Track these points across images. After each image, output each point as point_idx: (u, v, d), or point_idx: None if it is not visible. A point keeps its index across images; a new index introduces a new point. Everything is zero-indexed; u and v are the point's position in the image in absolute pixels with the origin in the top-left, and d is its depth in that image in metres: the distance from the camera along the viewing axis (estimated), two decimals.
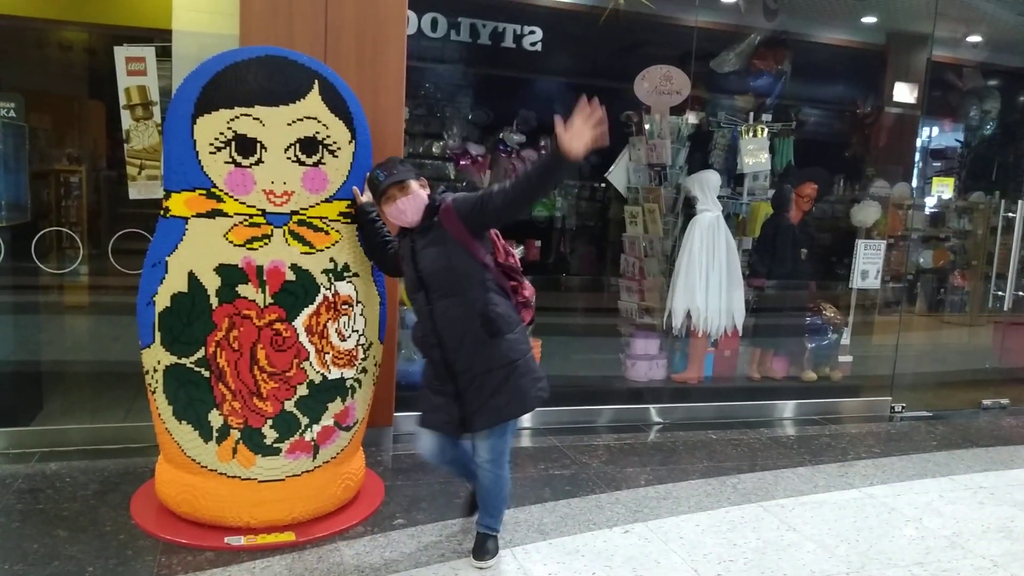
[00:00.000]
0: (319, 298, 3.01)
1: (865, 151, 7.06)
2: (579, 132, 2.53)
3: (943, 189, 7.47)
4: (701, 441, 4.66)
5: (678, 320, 5.19)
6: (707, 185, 5.26)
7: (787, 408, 5.36)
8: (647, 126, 5.42)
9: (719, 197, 5.36)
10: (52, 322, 4.57)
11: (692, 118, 5.71)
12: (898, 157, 6.74)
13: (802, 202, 5.62)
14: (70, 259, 4.22)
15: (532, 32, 5.79)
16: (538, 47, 5.84)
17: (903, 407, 5.52)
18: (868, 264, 5.64)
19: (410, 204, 2.86)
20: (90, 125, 5.53)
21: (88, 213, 5.13)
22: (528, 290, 3.09)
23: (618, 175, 5.64)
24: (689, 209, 5.36)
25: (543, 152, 2.65)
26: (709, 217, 5.21)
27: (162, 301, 2.91)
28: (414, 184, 2.88)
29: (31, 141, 4.17)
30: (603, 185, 6.21)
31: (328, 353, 3.05)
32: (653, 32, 5.80)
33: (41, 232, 4.09)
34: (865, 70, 6.98)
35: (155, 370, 2.97)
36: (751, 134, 5.85)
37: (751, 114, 5.97)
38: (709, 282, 5.18)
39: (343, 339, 3.10)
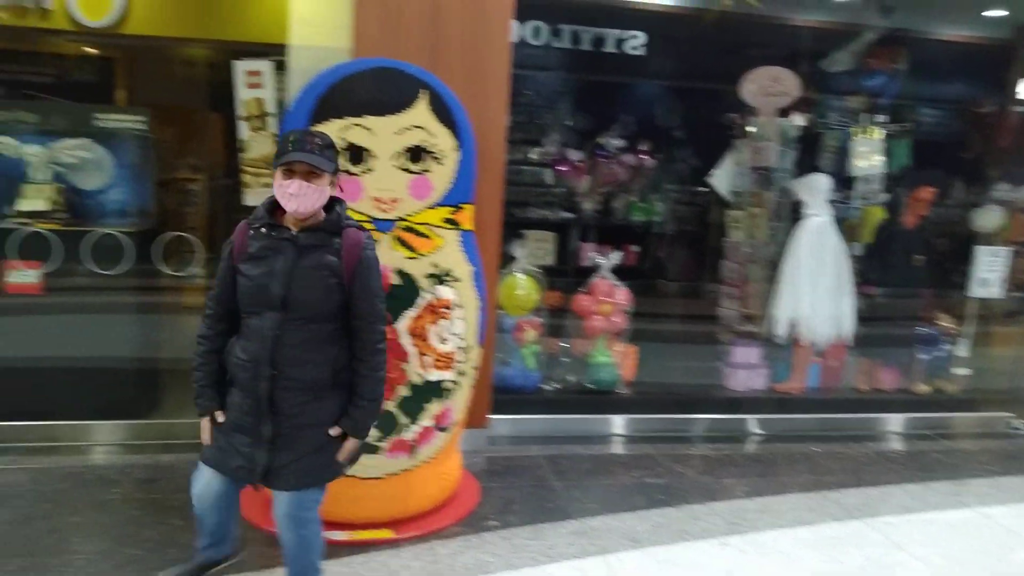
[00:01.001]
0: (421, 302, 3.10)
1: (987, 152, 6.66)
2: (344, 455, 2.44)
3: None
4: (803, 454, 4.51)
5: (782, 328, 5.04)
6: (816, 189, 5.10)
7: (896, 422, 5.12)
8: (752, 128, 5.30)
9: (829, 201, 5.18)
10: (171, 322, 4.85)
11: (800, 120, 5.54)
12: None
13: (918, 206, 5.38)
14: (189, 263, 4.49)
15: (634, 36, 5.76)
16: (640, 51, 5.81)
17: None
18: (989, 272, 5.33)
19: (313, 194, 2.30)
20: (210, 136, 5.86)
21: (207, 219, 5.44)
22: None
23: (721, 179, 5.53)
24: (796, 214, 5.20)
25: (353, 407, 2.39)
26: (818, 222, 5.04)
27: None
28: (327, 178, 2.34)
29: (156, 151, 4.46)
30: (703, 189, 6.11)
31: (428, 355, 3.14)
32: (760, 33, 5.67)
33: (164, 237, 4.37)
34: (988, 66, 6.59)
35: None
36: (863, 135, 5.62)
37: (863, 115, 5.74)
38: (816, 289, 5.01)
39: (443, 342, 3.17)
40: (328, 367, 2.36)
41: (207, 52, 5.32)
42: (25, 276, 3.98)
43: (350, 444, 2.43)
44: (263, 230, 2.37)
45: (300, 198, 2.28)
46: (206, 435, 2.47)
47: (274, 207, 2.38)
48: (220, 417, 2.44)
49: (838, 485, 4.01)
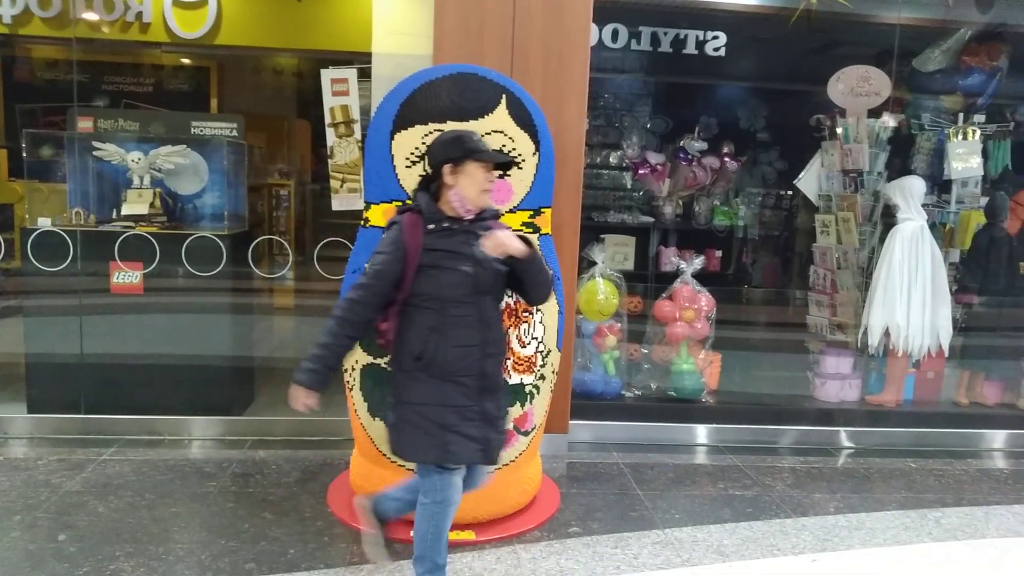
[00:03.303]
0: (502, 305, 3.09)
1: None
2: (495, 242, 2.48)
3: None
4: (898, 469, 4.31)
5: (875, 338, 4.83)
6: (910, 192, 4.88)
7: (999, 438, 4.84)
8: (840, 129, 5.12)
9: (923, 205, 4.95)
10: (263, 322, 5.00)
11: (891, 121, 5.33)
12: None
13: (1021, 211, 5.09)
14: (280, 265, 4.63)
15: (715, 37, 5.67)
16: (721, 52, 5.70)
17: None
18: None
19: (500, 186, 2.64)
20: (298, 142, 6.05)
21: (296, 223, 5.61)
22: None
23: (809, 182, 5.37)
24: (889, 218, 5.00)
25: None
26: (912, 227, 4.82)
27: None
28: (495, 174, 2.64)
29: (248, 157, 4.61)
30: (789, 192, 5.94)
31: (509, 359, 3.13)
32: (848, 31, 5.50)
33: (256, 240, 4.51)
34: None
35: (353, 369, 3.17)
36: (960, 137, 5.37)
37: (960, 115, 5.49)
38: (911, 297, 4.78)
39: (523, 346, 3.16)
40: (506, 347, 2.67)
41: (295, 61, 5.50)
42: (128, 277, 4.17)
43: None
44: (445, 225, 2.49)
45: (488, 193, 2.53)
46: (302, 401, 2.52)
47: (433, 204, 2.51)
48: (315, 404, 2.51)
49: (937, 503, 3.81)
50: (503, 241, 2.42)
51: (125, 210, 4.24)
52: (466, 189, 2.47)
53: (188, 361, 4.24)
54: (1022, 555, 3.27)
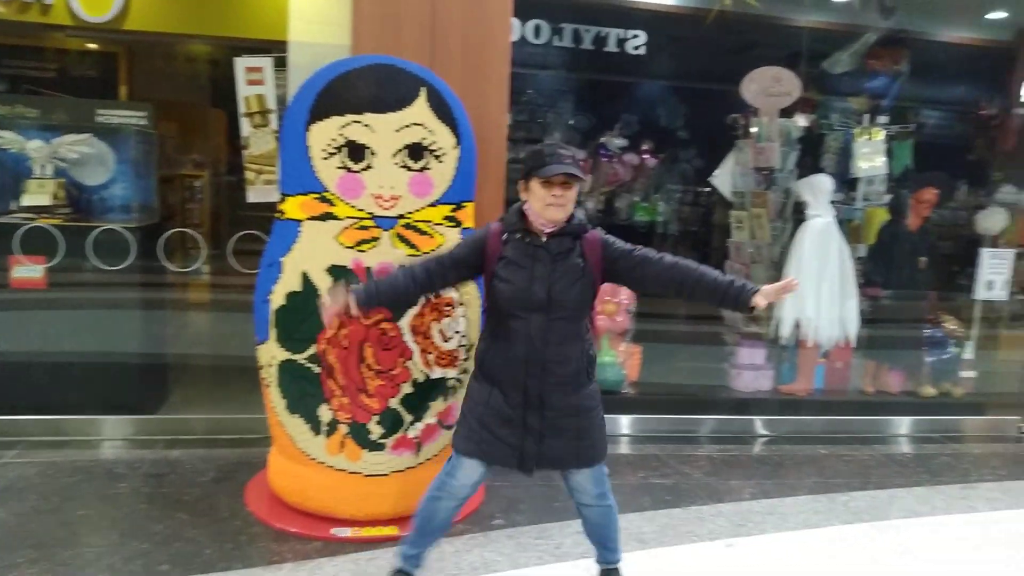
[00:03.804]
0: (423, 299, 3.07)
1: (991, 155, 6.66)
2: (770, 297, 2.48)
3: None
4: (809, 456, 4.48)
5: (787, 329, 5.01)
6: (818, 190, 5.07)
7: (903, 424, 5.09)
8: (754, 129, 5.28)
9: (832, 202, 5.15)
10: (176, 318, 4.85)
11: (802, 120, 5.52)
12: None
13: (921, 208, 5.34)
14: (193, 258, 4.47)
15: (636, 36, 5.76)
16: (642, 50, 5.80)
17: None
18: (994, 274, 5.31)
19: (569, 203, 2.49)
20: (212, 132, 5.87)
21: (209, 215, 5.44)
22: None
23: (723, 179, 5.51)
24: (799, 214, 5.18)
25: (733, 283, 2.50)
26: (821, 223, 5.01)
27: (277, 299, 3.03)
28: (577, 188, 2.52)
29: (159, 147, 4.44)
30: (707, 189, 6.09)
31: (431, 353, 3.11)
32: (761, 33, 5.67)
33: (167, 233, 4.35)
34: (991, 69, 6.59)
35: (270, 365, 3.10)
36: (866, 137, 5.60)
37: (866, 116, 5.73)
38: (821, 291, 4.97)
39: (446, 340, 3.15)
40: (584, 359, 2.56)
41: (208, 48, 5.32)
42: (29, 271, 3.96)
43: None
44: (517, 236, 2.53)
45: (561, 207, 2.46)
46: (337, 301, 2.55)
47: (522, 214, 2.53)
48: (355, 309, 2.54)
49: (845, 488, 3.97)
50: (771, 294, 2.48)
51: (25, 201, 4.03)
52: (534, 205, 2.49)
53: (96, 359, 4.05)
54: (921, 534, 3.45)
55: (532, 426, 2.54)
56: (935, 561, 3.19)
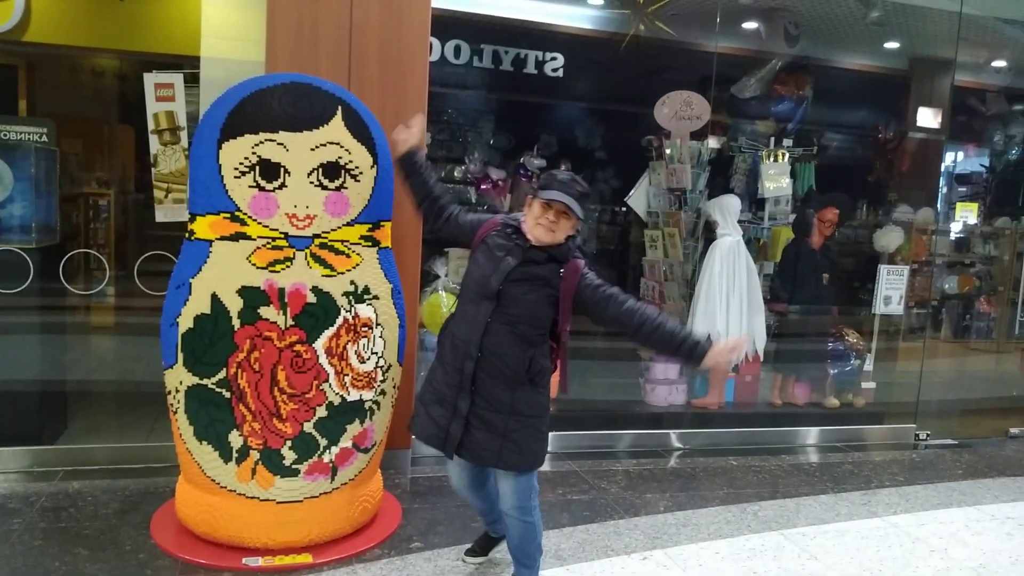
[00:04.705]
0: (339, 320, 3.04)
1: (888, 176, 7.03)
2: (721, 356, 2.64)
3: (967, 214, 7.41)
4: (721, 467, 4.61)
5: None
6: (727, 210, 5.25)
7: (809, 435, 5.29)
8: (667, 151, 5.44)
9: (740, 222, 5.34)
10: (78, 342, 4.63)
11: (713, 143, 5.72)
12: (922, 182, 6.71)
13: (824, 227, 5.58)
14: (97, 280, 4.30)
15: (554, 58, 5.86)
16: (560, 73, 5.91)
17: (928, 435, 5.43)
18: (891, 290, 5.58)
19: (561, 231, 2.66)
20: (119, 149, 5.66)
21: (115, 235, 5.23)
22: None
23: (638, 199, 5.65)
24: (709, 234, 5.35)
25: (688, 338, 2.65)
26: (729, 241, 5.19)
27: (185, 322, 2.95)
28: (574, 221, 2.68)
29: (61, 165, 4.26)
30: (623, 209, 6.23)
31: (347, 375, 3.08)
32: (673, 58, 5.86)
33: (69, 254, 4.17)
34: (888, 95, 6.98)
35: (177, 390, 3.00)
36: (772, 159, 5.84)
37: (772, 139, 5.98)
38: (730, 307, 5.15)
39: (362, 361, 3.12)
40: (524, 364, 2.64)
41: (116, 63, 5.15)
42: None
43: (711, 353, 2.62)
44: (509, 231, 2.72)
45: (550, 231, 2.63)
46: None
47: (519, 218, 2.75)
48: (412, 139, 2.98)
49: (755, 498, 4.11)
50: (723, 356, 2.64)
51: None
52: (528, 220, 2.68)
53: None
54: (825, 541, 3.59)
55: (460, 410, 2.67)
56: (840, 566, 3.33)
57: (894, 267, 5.65)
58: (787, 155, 5.82)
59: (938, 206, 6.80)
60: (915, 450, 5.29)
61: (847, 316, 5.92)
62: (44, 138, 3.99)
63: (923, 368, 5.60)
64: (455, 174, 6.11)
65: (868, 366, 5.71)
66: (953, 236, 7.62)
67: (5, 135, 3.93)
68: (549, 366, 2.77)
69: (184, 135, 3.85)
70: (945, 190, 7.24)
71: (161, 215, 3.86)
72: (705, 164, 5.48)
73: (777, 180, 5.76)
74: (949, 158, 7.54)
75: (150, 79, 3.84)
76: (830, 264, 5.64)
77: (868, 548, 3.54)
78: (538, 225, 2.64)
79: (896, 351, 6.27)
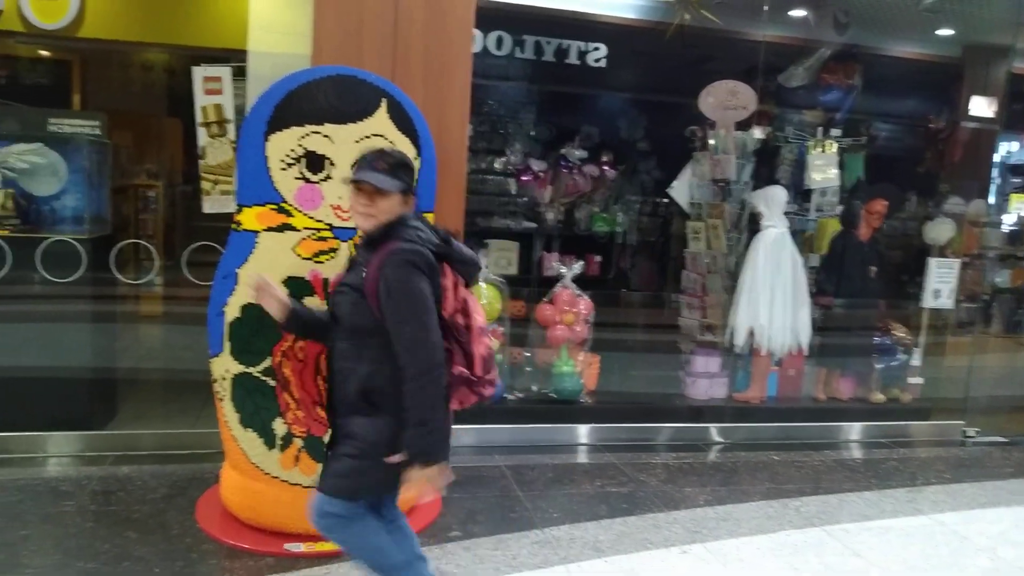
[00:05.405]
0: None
1: (939, 167, 6.85)
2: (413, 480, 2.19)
3: (1022, 206, 7.18)
4: (763, 462, 4.56)
5: (741, 338, 5.10)
6: (773, 201, 5.18)
7: (853, 430, 5.20)
8: (711, 141, 5.37)
9: (785, 213, 5.27)
10: (127, 331, 4.75)
11: (758, 133, 5.63)
12: (974, 173, 6.52)
13: (872, 219, 5.47)
14: (146, 270, 4.40)
15: (596, 48, 5.82)
16: (602, 63, 5.87)
17: (976, 432, 5.30)
18: (941, 283, 5.46)
19: (379, 213, 2.30)
20: (168, 142, 5.79)
21: (164, 226, 5.37)
22: (470, 370, 2.31)
23: (680, 190, 5.59)
24: (754, 225, 5.28)
25: (408, 430, 2.16)
26: (775, 233, 5.12)
27: (232, 312, 3.01)
28: (395, 197, 2.31)
29: (113, 157, 4.36)
30: (665, 200, 6.18)
31: None
32: (719, 47, 5.77)
33: (120, 244, 4.28)
34: (940, 83, 6.79)
35: (223, 378, 3.07)
36: (819, 149, 5.73)
37: (820, 129, 5.86)
38: (774, 299, 5.08)
39: None
40: (358, 384, 2.26)
41: (165, 57, 5.25)
42: None
43: (412, 470, 2.18)
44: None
45: (364, 217, 2.32)
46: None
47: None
48: (280, 311, 2.54)
49: (797, 493, 4.05)
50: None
51: None
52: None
53: (43, 373, 3.95)
54: (868, 537, 3.53)
55: (331, 428, 2.44)
56: (884, 563, 3.27)
57: (944, 260, 5.52)
58: (835, 145, 5.70)
59: (991, 198, 6.60)
60: (963, 447, 5.17)
61: (895, 310, 5.80)
62: (97, 131, 4.09)
63: (972, 363, 5.46)
64: (496, 166, 6.12)
65: (915, 361, 5.59)
66: (1006, 228, 7.39)
67: (60, 128, 4.04)
68: (388, 388, 2.24)
69: (231, 128, 3.91)
70: (999, 181, 7.02)
71: (208, 206, 3.93)
72: (750, 155, 5.40)
73: (824, 171, 5.65)
74: (1003, 148, 7.30)
75: (198, 73, 3.90)
76: (878, 257, 5.54)
77: (913, 546, 3.47)
78: (355, 214, 2.36)
79: (944, 346, 6.11)
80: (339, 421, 2.38)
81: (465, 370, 2.29)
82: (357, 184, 2.31)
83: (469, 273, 2.43)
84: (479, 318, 2.38)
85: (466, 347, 2.32)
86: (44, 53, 4.98)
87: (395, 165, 2.34)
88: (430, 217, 3.29)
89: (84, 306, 4.07)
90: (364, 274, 2.25)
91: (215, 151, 3.92)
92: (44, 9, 4.14)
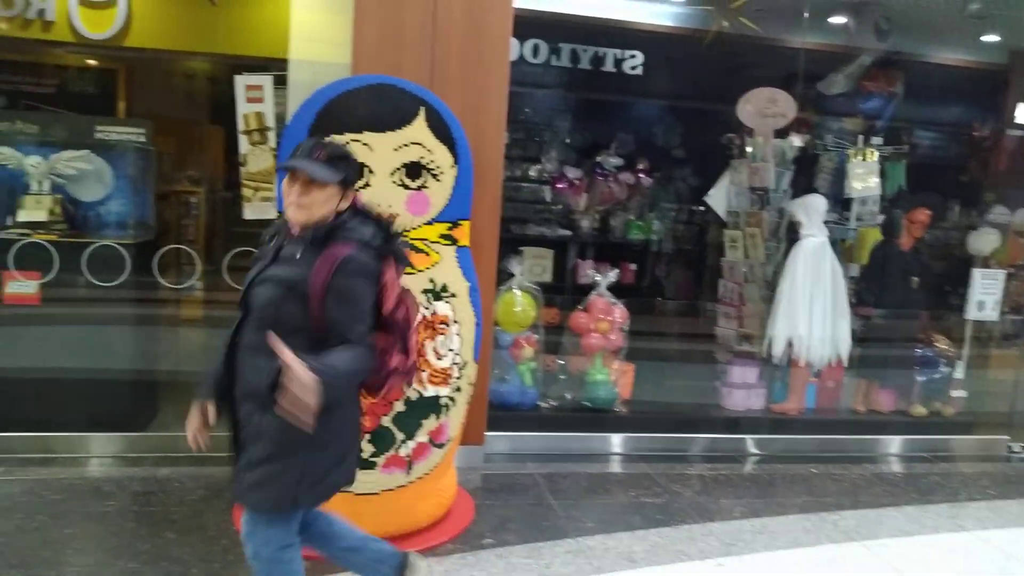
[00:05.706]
0: (418, 317, 3.08)
1: (983, 176, 6.70)
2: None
3: None
4: (800, 475, 4.49)
5: (779, 348, 5.04)
6: (812, 210, 5.11)
7: (893, 444, 5.10)
8: (749, 149, 5.32)
9: (825, 222, 5.19)
10: (169, 335, 4.83)
11: (797, 141, 5.56)
12: (1020, 182, 6.37)
13: (914, 228, 5.38)
14: (188, 275, 4.48)
15: (633, 56, 5.80)
16: (639, 71, 5.85)
17: (1022, 447, 5.17)
18: (985, 294, 5.34)
19: (312, 204, 2.16)
20: (210, 149, 5.89)
21: (205, 232, 5.46)
22: (405, 359, 2.31)
23: (718, 198, 5.54)
24: (793, 234, 5.22)
25: (324, 368, 1.99)
26: (814, 243, 5.05)
27: None
28: (332, 189, 2.18)
29: (156, 164, 4.46)
30: (701, 208, 6.13)
31: (425, 371, 3.13)
32: (758, 54, 5.72)
33: (162, 249, 4.36)
34: (984, 91, 6.65)
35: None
36: (860, 158, 5.65)
37: (860, 137, 5.78)
38: (813, 310, 5.01)
39: (439, 358, 3.17)
40: (272, 378, 2.01)
41: (208, 66, 5.35)
42: (23, 287, 3.98)
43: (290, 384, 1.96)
44: (278, 234, 2.28)
45: (297, 208, 2.16)
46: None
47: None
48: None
49: (835, 507, 3.99)
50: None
51: (21, 217, 4.04)
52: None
53: (86, 375, 4.05)
54: (909, 553, 3.46)
55: (233, 431, 2.28)
56: None
57: (989, 271, 5.40)
58: (876, 154, 5.61)
59: None
60: (1008, 463, 5.05)
61: (937, 321, 5.68)
62: (142, 139, 4.19)
63: (1018, 377, 5.32)
64: (531, 173, 6.13)
65: (958, 374, 5.47)
66: None
67: (106, 136, 4.15)
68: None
69: (272, 135, 3.98)
70: None
71: (249, 212, 3.99)
72: (789, 163, 5.34)
73: (865, 180, 5.56)
74: None
75: (240, 81, 3.98)
76: (920, 267, 5.44)
77: (956, 562, 3.40)
78: (288, 205, 2.18)
79: (989, 359, 5.98)
80: (243, 419, 2.23)
81: (401, 361, 2.29)
82: (292, 172, 2.18)
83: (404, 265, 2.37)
84: (414, 308, 2.37)
85: (406, 338, 2.31)
86: (91, 62, 5.10)
87: (333, 156, 2.21)
88: (466, 225, 3.31)
89: (127, 309, 4.17)
90: (306, 275, 2.12)
91: (256, 158, 3.98)
92: (93, 20, 4.25)
